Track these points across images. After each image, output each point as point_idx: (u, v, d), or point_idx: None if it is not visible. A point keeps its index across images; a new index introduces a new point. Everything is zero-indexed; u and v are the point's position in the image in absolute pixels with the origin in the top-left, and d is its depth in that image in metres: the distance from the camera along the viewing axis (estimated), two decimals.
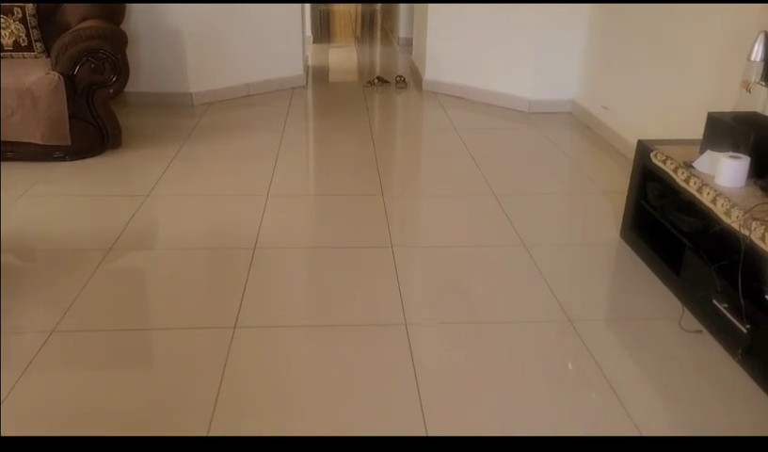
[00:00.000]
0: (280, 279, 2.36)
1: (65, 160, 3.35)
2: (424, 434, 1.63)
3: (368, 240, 2.65)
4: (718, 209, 2.01)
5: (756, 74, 2.29)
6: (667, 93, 3.29)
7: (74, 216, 2.82)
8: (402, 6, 6.86)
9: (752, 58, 2.28)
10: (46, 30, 3.62)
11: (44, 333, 1.97)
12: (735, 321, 1.89)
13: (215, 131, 3.98)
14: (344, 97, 5.04)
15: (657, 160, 2.39)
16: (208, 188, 3.11)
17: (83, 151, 3.39)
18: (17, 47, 3.57)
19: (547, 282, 2.35)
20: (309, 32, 6.67)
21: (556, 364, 1.93)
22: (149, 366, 1.91)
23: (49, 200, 2.95)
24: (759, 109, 2.31)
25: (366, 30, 8.55)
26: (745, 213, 1.90)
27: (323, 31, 7.26)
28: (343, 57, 6.68)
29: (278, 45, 4.85)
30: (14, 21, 3.53)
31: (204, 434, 1.61)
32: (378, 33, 8.39)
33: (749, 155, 2.08)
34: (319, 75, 5.75)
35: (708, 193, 2.08)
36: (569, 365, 1.93)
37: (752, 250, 1.85)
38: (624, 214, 2.68)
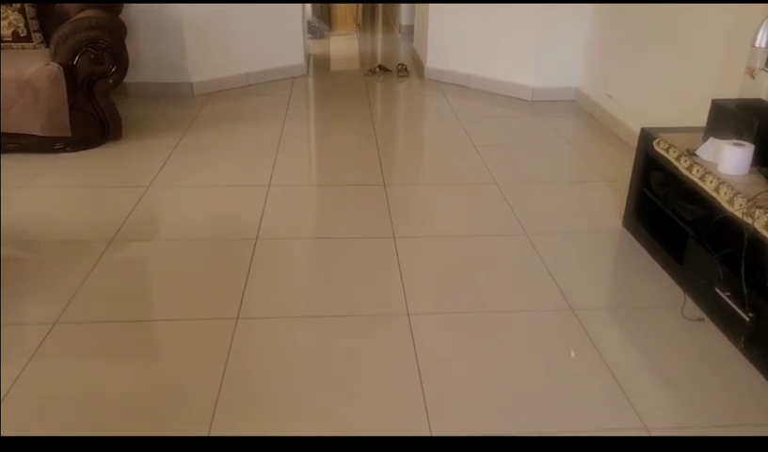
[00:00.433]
0: (283, 270, 2.36)
1: (66, 151, 3.35)
2: (427, 424, 1.63)
3: (370, 230, 2.65)
4: (721, 197, 2.00)
5: (761, 61, 2.27)
6: (671, 81, 3.26)
7: (76, 207, 2.82)
8: None
9: (757, 44, 2.26)
10: (45, 20, 3.60)
11: (47, 325, 1.97)
12: (738, 309, 1.89)
13: (216, 121, 3.97)
14: (345, 86, 5.02)
15: (660, 148, 2.37)
16: (209, 179, 3.11)
17: (83, 142, 3.39)
18: (16, 38, 3.55)
19: (549, 270, 2.35)
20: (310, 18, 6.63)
21: (559, 353, 1.93)
22: (151, 357, 1.91)
23: (50, 191, 2.95)
24: (763, 96, 2.29)
25: (367, 18, 8.49)
26: (749, 201, 1.89)
27: (324, 20, 7.22)
28: (344, 46, 6.65)
29: (278, 34, 4.82)
30: (13, 11, 3.51)
31: (207, 425, 1.62)
32: (380, 21, 8.34)
33: (753, 143, 2.07)
34: (320, 64, 5.73)
35: (711, 181, 2.07)
36: (572, 354, 1.93)
37: (755, 239, 1.84)
38: (627, 202, 2.67)
